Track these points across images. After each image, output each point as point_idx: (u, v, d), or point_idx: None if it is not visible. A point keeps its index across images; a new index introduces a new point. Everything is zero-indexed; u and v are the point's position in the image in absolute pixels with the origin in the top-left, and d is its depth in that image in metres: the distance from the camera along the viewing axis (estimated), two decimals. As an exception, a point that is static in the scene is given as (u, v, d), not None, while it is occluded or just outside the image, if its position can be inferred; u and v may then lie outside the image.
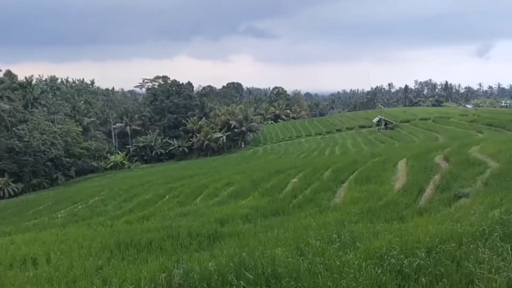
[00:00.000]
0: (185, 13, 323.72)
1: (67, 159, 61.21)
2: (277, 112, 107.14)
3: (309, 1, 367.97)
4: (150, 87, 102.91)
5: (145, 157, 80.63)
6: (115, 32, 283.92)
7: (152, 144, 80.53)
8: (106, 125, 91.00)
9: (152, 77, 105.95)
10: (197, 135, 78.55)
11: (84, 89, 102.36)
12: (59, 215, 22.98)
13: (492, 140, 16.99)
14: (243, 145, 78.83)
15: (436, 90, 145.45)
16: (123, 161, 72.50)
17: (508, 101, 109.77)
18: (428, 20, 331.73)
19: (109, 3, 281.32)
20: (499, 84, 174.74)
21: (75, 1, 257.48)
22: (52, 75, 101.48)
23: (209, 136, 76.60)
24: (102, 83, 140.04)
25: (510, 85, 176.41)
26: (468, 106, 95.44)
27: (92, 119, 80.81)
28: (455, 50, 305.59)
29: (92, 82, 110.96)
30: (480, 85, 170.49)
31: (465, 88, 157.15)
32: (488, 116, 45.52)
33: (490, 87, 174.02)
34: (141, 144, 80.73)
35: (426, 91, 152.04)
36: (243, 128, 77.98)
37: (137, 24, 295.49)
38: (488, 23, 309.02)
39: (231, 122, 78.61)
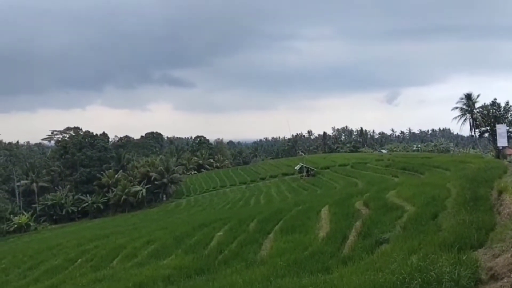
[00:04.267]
0: (91, 61, 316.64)
1: (-39, 223, 54.19)
2: (200, 161, 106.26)
3: (221, 51, 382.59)
4: (60, 139, 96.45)
5: (54, 217, 73.88)
6: (15, 82, 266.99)
7: (63, 201, 74.25)
8: (9, 182, 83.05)
9: (62, 129, 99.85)
10: (114, 189, 74.30)
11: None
12: None
13: (407, 184, 18.11)
14: (164, 198, 76.02)
15: (353, 136, 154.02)
16: (29, 223, 65.84)
17: (419, 145, 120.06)
18: (336, 70, 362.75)
19: (4, 51, 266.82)
20: (409, 129, 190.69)
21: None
22: None
23: (127, 190, 72.78)
24: (6, 137, 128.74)
25: (420, 130, 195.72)
26: (383, 151, 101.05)
27: (-8, 177, 73.32)
28: (366, 98, 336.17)
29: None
30: (392, 130, 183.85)
31: (379, 133, 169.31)
32: (402, 160, 47.89)
33: (402, 132, 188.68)
34: (49, 203, 74.03)
35: (343, 137, 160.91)
36: (165, 180, 75.60)
37: (39, 73, 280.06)
38: (392, 73, 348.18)
39: (151, 174, 75.83)
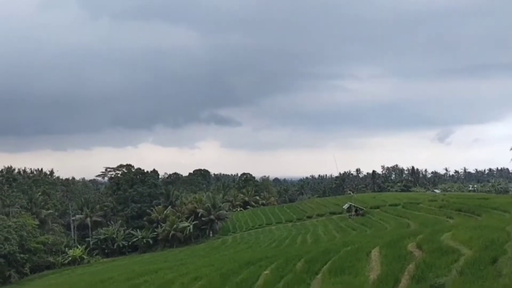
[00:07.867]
0: (142, 102, 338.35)
1: (22, 255, 57.36)
2: (246, 199, 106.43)
3: (267, 91, 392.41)
4: (113, 176, 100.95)
5: (106, 250, 76.27)
6: (72, 122, 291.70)
7: (114, 236, 76.75)
8: (65, 217, 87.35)
9: (115, 166, 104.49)
10: (163, 225, 75.88)
11: (42, 180, 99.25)
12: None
13: (463, 226, 17.25)
14: (211, 234, 76.48)
15: (404, 175, 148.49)
16: (82, 256, 68.28)
17: (475, 185, 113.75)
18: (386, 109, 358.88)
19: (62, 94, 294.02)
20: (465, 169, 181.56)
21: (30, 92, 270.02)
22: (8, 165, 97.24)
23: (175, 225, 74.06)
24: (63, 173, 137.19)
25: (476, 170, 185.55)
26: (436, 190, 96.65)
27: (50, 211, 77.76)
28: (417, 136, 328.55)
29: (52, 172, 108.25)
30: (446, 169, 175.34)
31: (432, 172, 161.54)
32: (457, 201, 45.56)
33: (457, 172, 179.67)
34: (102, 237, 76.77)
35: (393, 176, 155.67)
36: (211, 217, 76.30)
37: (94, 113, 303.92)
38: (443, 111, 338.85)
39: (198, 210, 76.90)
